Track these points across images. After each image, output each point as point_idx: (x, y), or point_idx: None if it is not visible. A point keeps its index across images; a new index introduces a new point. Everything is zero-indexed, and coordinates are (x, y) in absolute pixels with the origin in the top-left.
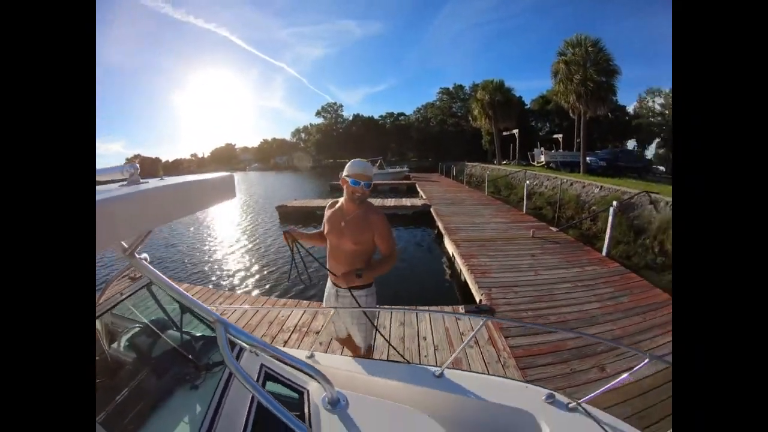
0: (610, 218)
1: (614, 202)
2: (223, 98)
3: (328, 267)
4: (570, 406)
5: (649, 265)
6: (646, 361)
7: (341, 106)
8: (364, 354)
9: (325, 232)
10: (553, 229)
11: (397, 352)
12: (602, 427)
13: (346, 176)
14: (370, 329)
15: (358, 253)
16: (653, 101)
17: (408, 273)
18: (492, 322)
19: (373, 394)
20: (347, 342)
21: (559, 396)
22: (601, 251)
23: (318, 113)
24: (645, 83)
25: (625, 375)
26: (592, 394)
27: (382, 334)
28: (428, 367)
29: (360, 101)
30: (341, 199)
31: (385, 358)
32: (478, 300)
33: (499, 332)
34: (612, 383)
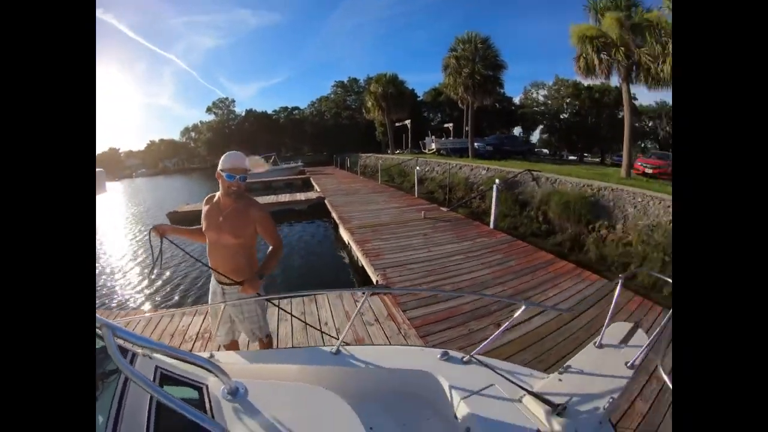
0: (494, 194)
1: (497, 180)
2: (106, 95)
3: (210, 265)
4: (464, 359)
5: (534, 233)
6: (522, 308)
7: (233, 101)
8: (265, 346)
9: (204, 228)
10: (444, 209)
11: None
12: (495, 371)
13: (221, 170)
14: (263, 318)
15: (238, 247)
16: (537, 93)
17: (307, 266)
18: (389, 299)
19: (276, 378)
20: (234, 346)
21: (453, 353)
22: (489, 225)
23: (209, 109)
24: (530, 77)
25: (506, 324)
26: (481, 345)
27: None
28: (325, 348)
29: (254, 96)
30: (218, 194)
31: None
32: (374, 281)
33: (396, 307)
34: (496, 333)
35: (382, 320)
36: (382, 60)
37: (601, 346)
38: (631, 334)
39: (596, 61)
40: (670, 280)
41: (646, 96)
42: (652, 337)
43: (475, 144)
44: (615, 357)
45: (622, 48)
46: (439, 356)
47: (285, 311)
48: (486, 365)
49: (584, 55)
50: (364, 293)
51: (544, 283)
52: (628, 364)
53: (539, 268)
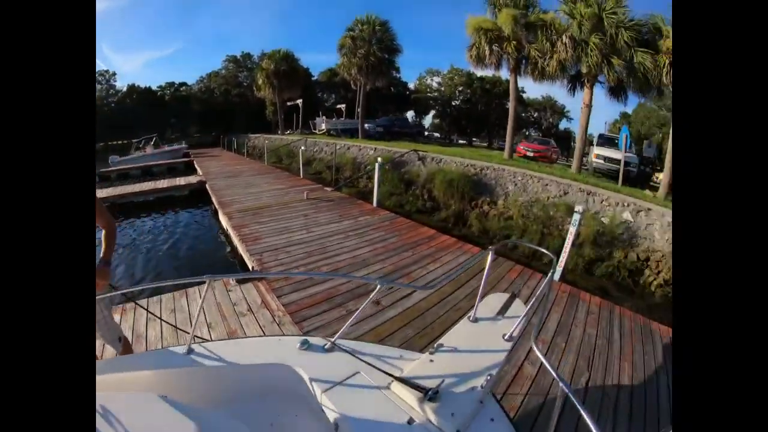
0: (376, 172)
1: (379, 158)
2: None
3: None
4: (326, 347)
5: (420, 210)
6: (378, 287)
7: (114, 74)
8: (120, 352)
9: None
10: (328, 189)
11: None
12: (356, 357)
13: None
14: (109, 318)
15: None
16: (431, 80)
17: (187, 255)
18: (263, 285)
19: (122, 390)
20: None
21: (314, 340)
22: (373, 203)
23: None
24: (428, 65)
25: (363, 305)
26: (341, 329)
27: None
28: (176, 348)
29: (141, 67)
30: None
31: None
32: (250, 267)
33: (271, 294)
34: (353, 317)
35: (255, 309)
36: (283, 36)
37: (475, 320)
38: (508, 304)
39: (487, 52)
40: (541, 249)
41: (534, 90)
42: (529, 305)
43: (366, 125)
44: (491, 330)
45: (514, 42)
46: (298, 345)
47: (143, 308)
48: (349, 351)
49: (477, 45)
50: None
51: (424, 258)
52: (506, 336)
53: (421, 243)
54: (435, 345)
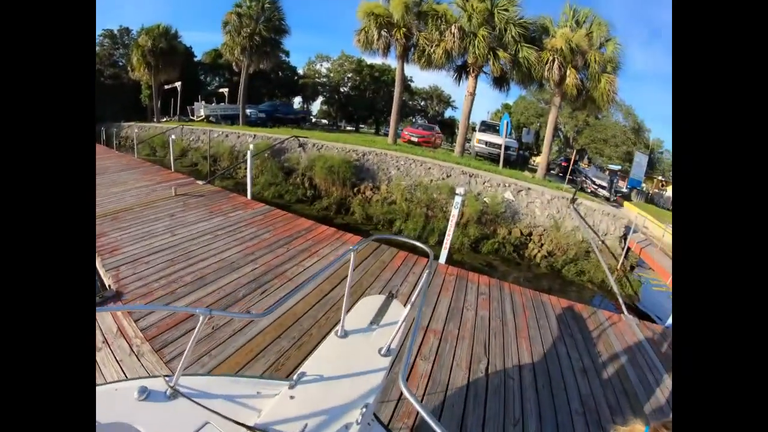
0: (249, 162)
1: (251, 147)
2: None
3: None
4: (168, 394)
5: (300, 199)
6: (201, 318)
7: None
8: None
9: None
10: (200, 182)
11: None
12: (204, 408)
13: None
14: None
15: None
16: (321, 65)
17: None
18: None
19: None
20: None
21: (154, 385)
22: (247, 195)
23: None
24: (319, 50)
25: (194, 337)
26: (179, 367)
27: None
28: None
29: None
30: None
31: None
32: (107, 285)
33: (127, 318)
34: (188, 347)
35: (112, 340)
36: (170, 10)
37: (345, 334)
38: (383, 309)
39: (376, 36)
40: (417, 243)
41: (422, 80)
42: (407, 308)
43: (247, 110)
44: (363, 345)
45: (404, 29)
46: (137, 395)
47: None
48: (192, 399)
49: (366, 29)
50: None
51: (301, 253)
52: (382, 351)
53: (297, 237)
54: (296, 374)
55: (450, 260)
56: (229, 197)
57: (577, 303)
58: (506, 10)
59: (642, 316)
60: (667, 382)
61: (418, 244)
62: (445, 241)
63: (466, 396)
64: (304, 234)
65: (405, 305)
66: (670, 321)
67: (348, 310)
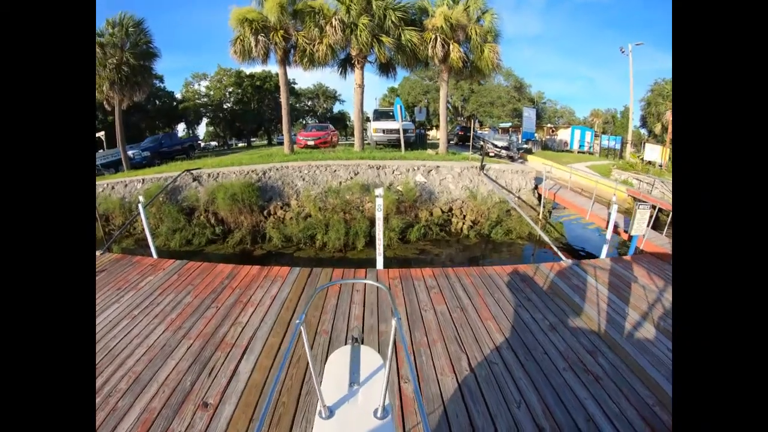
0: (142, 215)
1: (140, 197)
2: None
3: None
4: None
5: (210, 239)
6: None
7: None
8: None
9: None
10: (98, 252)
11: None
12: None
13: None
14: None
15: None
16: (199, 84)
17: None
18: None
19: None
20: None
21: None
22: (153, 255)
23: None
24: (191, 70)
25: None
26: None
27: None
28: None
29: None
30: None
31: None
32: None
33: None
34: None
35: None
36: None
37: (330, 414)
38: (356, 361)
39: (253, 43)
40: (349, 281)
41: (305, 80)
42: (380, 358)
43: (129, 152)
44: (355, 418)
45: (281, 31)
46: None
47: None
48: None
49: (242, 37)
50: None
51: (233, 308)
52: (378, 414)
53: (223, 289)
54: None
55: (387, 265)
56: (134, 262)
57: (519, 265)
58: None
59: (573, 252)
60: (622, 307)
61: (370, 282)
62: (377, 245)
63: (463, 399)
64: (229, 283)
65: (377, 351)
66: (603, 252)
67: (320, 382)
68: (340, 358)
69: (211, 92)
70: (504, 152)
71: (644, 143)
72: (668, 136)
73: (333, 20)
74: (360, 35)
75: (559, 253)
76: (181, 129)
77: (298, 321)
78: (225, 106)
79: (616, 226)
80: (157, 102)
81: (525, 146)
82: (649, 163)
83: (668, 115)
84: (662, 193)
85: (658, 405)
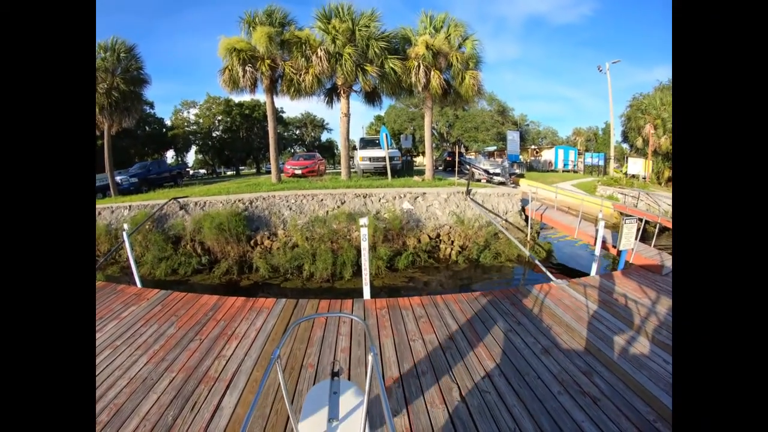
0: (126, 243)
1: (125, 225)
2: None
3: None
4: None
5: (197, 269)
6: None
7: None
8: None
9: None
10: None
11: None
12: None
13: None
14: None
15: None
16: (188, 112)
17: None
18: None
19: None
20: None
21: None
22: (137, 284)
23: None
24: (181, 97)
25: None
26: None
27: None
28: None
29: None
30: None
31: None
32: None
33: None
34: None
35: None
36: None
37: None
38: (335, 396)
39: (241, 73)
40: (328, 315)
41: (293, 109)
42: (359, 393)
43: (117, 177)
44: None
45: (269, 61)
46: None
47: None
48: None
49: (230, 67)
50: None
51: (217, 341)
52: None
53: (207, 321)
54: None
55: (375, 295)
56: (118, 290)
57: (508, 289)
58: (367, 26)
59: (564, 270)
60: (615, 324)
61: (351, 317)
62: (363, 275)
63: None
64: (213, 315)
65: (359, 386)
66: (593, 269)
67: (298, 419)
68: (318, 394)
69: (201, 120)
70: (496, 179)
71: (627, 157)
72: (649, 149)
73: (319, 50)
74: (345, 65)
75: (549, 274)
76: (170, 156)
77: (273, 357)
78: (214, 134)
79: (604, 242)
80: (147, 128)
81: (516, 171)
82: (633, 176)
83: (648, 129)
84: (647, 205)
85: (659, 421)
